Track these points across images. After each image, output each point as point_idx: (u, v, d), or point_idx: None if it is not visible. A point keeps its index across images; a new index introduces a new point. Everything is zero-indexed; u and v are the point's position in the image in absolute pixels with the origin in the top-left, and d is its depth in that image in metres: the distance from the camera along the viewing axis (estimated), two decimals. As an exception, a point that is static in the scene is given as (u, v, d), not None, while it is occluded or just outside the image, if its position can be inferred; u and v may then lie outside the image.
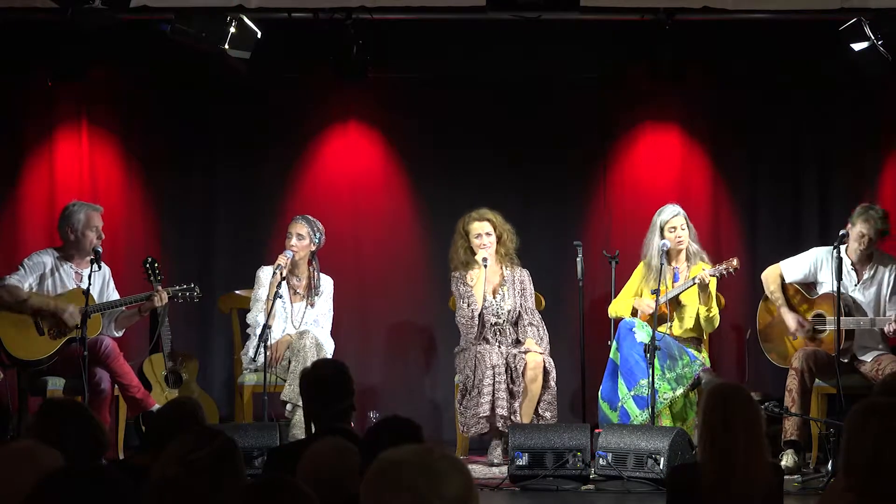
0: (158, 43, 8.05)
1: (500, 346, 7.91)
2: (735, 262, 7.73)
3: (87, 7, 7.33)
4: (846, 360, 7.62)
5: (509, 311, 8.03)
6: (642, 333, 7.68)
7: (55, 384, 7.69)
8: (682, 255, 7.94)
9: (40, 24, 8.16)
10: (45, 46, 8.28)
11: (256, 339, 7.70)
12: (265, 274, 8.01)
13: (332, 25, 8.01)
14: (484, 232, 8.02)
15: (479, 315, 7.98)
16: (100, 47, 8.32)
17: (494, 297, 8.05)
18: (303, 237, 8.00)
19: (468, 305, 7.99)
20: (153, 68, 8.70)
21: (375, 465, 2.53)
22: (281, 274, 7.83)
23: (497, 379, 7.68)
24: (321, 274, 8.16)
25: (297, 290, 8.05)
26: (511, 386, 7.77)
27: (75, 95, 8.72)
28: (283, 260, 7.89)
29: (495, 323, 8.01)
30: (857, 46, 7.72)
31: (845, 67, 7.97)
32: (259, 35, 7.90)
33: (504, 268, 8.11)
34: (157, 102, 8.86)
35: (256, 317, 7.95)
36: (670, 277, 7.88)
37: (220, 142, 8.86)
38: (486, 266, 7.95)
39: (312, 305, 8.09)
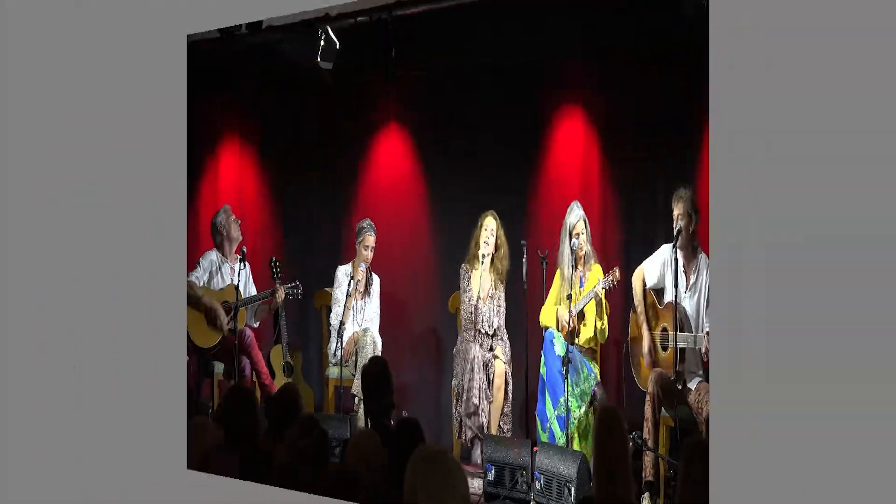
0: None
1: (481, 347, 7.82)
2: (617, 272, 6.76)
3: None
4: (680, 387, 6.26)
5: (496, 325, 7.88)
6: (559, 345, 7.04)
7: (219, 368, 8.75)
8: (582, 259, 7.18)
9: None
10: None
11: (335, 337, 8.30)
12: (342, 273, 8.46)
13: (377, 26, 8.11)
14: (490, 229, 7.86)
15: (474, 315, 7.88)
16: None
17: (485, 305, 7.88)
18: (373, 248, 8.43)
19: (469, 300, 7.91)
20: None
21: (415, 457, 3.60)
22: (357, 288, 8.37)
23: (477, 384, 7.62)
24: (373, 273, 8.48)
25: (358, 289, 8.39)
26: (488, 391, 7.67)
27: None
28: (360, 275, 8.37)
29: (480, 331, 7.87)
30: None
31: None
32: (338, 46, 8.19)
33: (494, 283, 7.91)
34: (275, 106, 9.40)
35: (340, 316, 8.44)
36: (577, 283, 7.12)
37: (323, 141, 9.24)
38: (482, 263, 7.86)
39: (367, 301, 8.43)
